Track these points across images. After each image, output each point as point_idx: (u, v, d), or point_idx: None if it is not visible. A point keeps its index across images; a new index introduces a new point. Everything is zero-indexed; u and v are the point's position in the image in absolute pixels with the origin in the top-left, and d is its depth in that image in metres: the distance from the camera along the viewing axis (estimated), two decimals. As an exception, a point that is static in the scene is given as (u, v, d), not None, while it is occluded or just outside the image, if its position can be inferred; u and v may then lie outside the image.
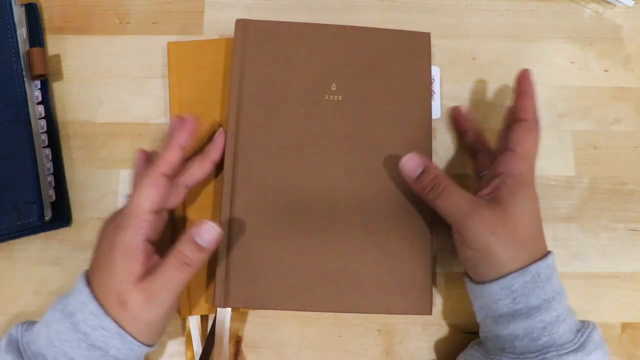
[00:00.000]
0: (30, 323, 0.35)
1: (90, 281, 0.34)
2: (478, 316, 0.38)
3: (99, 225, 0.43)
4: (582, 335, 0.34)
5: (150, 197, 0.34)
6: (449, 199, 0.36)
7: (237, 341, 0.41)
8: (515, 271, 0.34)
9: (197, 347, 0.40)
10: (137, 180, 0.35)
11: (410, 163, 0.37)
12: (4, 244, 0.42)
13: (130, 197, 0.35)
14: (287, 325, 0.42)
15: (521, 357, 0.34)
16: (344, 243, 0.39)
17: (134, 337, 0.33)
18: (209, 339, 0.40)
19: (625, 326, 0.43)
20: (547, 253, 0.36)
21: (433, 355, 0.42)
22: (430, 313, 0.39)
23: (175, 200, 0.38)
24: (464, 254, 0.36)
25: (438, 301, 0.43)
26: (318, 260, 0.39)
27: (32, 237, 0.42)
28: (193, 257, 0.33)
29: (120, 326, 0.33)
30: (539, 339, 0.33)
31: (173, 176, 0.36)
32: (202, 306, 0.40)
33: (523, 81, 0.40)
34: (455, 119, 0.45)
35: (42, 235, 0.42)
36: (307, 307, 0.39)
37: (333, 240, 0.39)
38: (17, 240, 0.42)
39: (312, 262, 0.39)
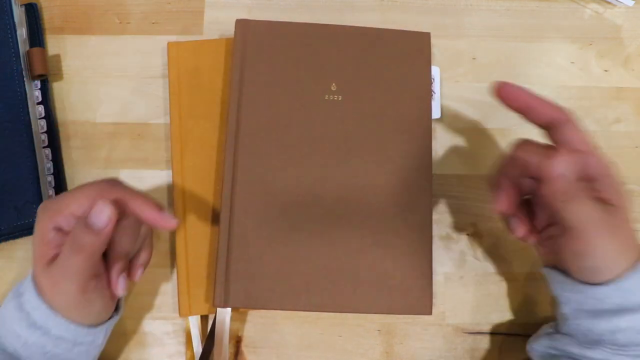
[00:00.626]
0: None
1: None
2: (565, 307, 0.36)
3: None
4: None
5: (81, 203, 0.32)
6: (581, 206, 0.33)
7: (237, 341, 0.41)
8: (628, 270, 0.33)
9: (197, 347, 0.40)
10: (89, 185, 0.34)
11: (560, 161, 0.33)
12: (4, 244, 0.42)
13: (68, 192, 0.34)
14: (287, 325, 0.42)
15: (624, 348, 0.34)
16: (343, 243, 0.39)
17: (64, 317, 0.33)
18: (209, 339, 0.40)
19: (625, 326, 0.43)
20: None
21: (433, 355, 0.42)
22: (430, 313, 0.39)
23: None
24: (577, 259, 0.34)
25: (438, 301, 0.43)
26: (318, 260, 0.39)
27: (32, 237, 0.42)
28: (85, 240, 0.31)
29: (51, 307, 0.33)
30: None
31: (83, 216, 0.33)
32: (202, 306, 0.40)
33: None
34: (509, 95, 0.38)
35: (42, 235, 0.42)
36: (307, 307, 0.39)
37: (333, 240, 0.39)
38: (17, 240, 0.42)
39: (312, 262, 0.39)
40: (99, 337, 0.35)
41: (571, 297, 0.36)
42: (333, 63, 0.43)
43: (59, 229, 0.33)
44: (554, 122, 0.36)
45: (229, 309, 0.39)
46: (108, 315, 0.36)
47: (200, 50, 0.44)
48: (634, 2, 0.48)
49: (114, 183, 0.34)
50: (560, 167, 0.33)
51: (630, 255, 0.34)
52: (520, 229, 0.37)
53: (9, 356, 0.33)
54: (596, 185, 0.34)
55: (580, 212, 0.33)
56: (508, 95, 0.36)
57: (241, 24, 0.43)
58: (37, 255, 0.33)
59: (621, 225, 0.34)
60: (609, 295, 0.34)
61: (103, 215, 0.32)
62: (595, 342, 0.35)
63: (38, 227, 0.33)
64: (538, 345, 0.38)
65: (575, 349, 0.35)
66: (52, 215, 0.33)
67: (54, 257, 0.33)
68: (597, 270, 0.34)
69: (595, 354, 0.34)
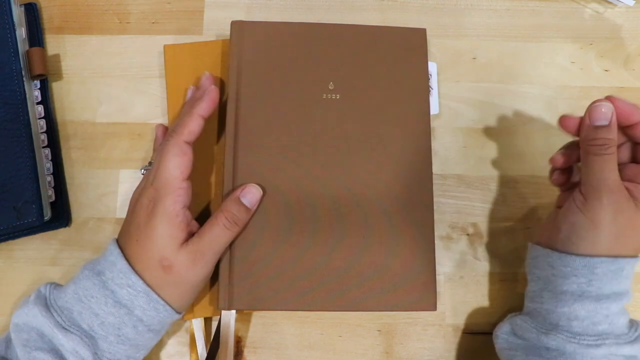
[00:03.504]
0: (57, 284, 0.36)
1: (124, 249, 0.35)
2: (532, 286, 0.38)
3: (98, 225, 0.43)
4: (635, 331, 0.35)
5: (180, 165, 0.35)
6: (605, 166, 0.34)
7: (237, 342, 0.41)
8: (606, 256, 0.34)
9: (201, 350, 0.40)
10: (162, 151, 0.36)
11: (603, 111, 0.34)
12: (4, 244, 0.42)
13: (158, 169, 0.36)
14: (287, 325, 0.42)
15: (578, 337, 0.34)
16: (346, 241, 0.39)
17: (162, 298, 0.34)
18: (214, 342, 0.40)
19: (625, 326, 0.43)
20: (636, 255, 0.35)
21: (433, 356, 0.42)
22: (435, 309, 0.39)
23: None
24: (574, 217, 0.35)
25: (438, 301, 0.42)
26: (321, 259, 0.39)
27: (31, 237, 0.42)
28: (240, 216, 0.37)
29: (149, 286, 0.34)
30: (599, 325, 0.34)
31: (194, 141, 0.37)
32: (206, 309, 0.40)
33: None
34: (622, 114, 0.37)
35: (42, 235, 0.42)
36: (312, 307, 0.39)
37: (335, 239, 0.39)
38: (17, 240, 0.42)
39: (315, 261, 0.39)
40: (166, 326, 0.37)
41: (540, 274, 0.37)
42: (330, 62, 0.43)
43: (187, 207, 0.36)
44: None
45: (234, 312, 0.39)
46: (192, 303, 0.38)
47: (196, 52, 0.44)
48: (634, 2, 0.48)
49: (176, 134, 0.36)
50: (597, 113, 0.34)
51: (616, 247, 0.34)
52: (558, 178, 0.40)
53: (83, 332, 0.33)
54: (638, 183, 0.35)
55: (598, 172, 0.34)
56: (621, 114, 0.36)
57: (237, 26, 0.43)
58: (170, 239, 0.34)
59: (627, 217, 0.34)
60: (574, 272, 0.34)
61: (256, 195, 0.38)
62: (553, 326, 0.35)
63: (166, 210, 0.34)
64: (500, 332, 0.39)
65: (532, 334, 0.36)
66: (176, 196, 0.35)
67: (188, 237, 0.35)
68: (579, 234, 0.35)
69: (550, 339, 0.35)
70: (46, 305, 0.34)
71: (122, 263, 0.34)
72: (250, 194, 0.37)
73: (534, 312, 0.37)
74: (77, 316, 0.33)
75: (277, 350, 0.41)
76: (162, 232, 0.34)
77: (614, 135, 0.34)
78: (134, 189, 0.39)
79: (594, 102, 0.35)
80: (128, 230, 0.36)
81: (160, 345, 0.41)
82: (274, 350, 0.41)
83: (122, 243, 0.36)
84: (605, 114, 0.34)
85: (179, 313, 0.36)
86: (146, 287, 0.34)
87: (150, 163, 0.41)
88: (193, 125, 0.37)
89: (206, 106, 0.37)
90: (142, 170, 0.42)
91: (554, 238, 0.36)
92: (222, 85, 0.44)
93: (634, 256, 0.35)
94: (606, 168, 0.34)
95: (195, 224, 0.37)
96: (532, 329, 0.36)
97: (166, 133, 0.41)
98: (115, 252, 0.35)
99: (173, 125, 0.38)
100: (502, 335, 0.38)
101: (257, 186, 0.38)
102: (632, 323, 0.36)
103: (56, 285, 0.36)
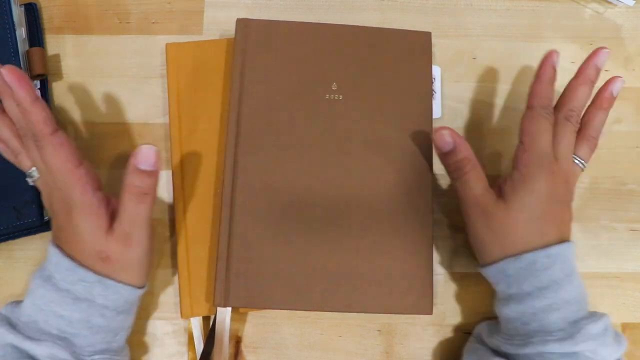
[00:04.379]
0: (17, 302, 0.36)
1: (63, 249, 0.35)
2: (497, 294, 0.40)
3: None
4: (575, 326, 0.34)
5: (66, 156, 0.34)
6: (465, 185, 0.37)
7: (236, 341, 0.41)
8: (510, 257, 0.35)
9: (200, 349, 0.40)
10: (42, 155, 0.34)
11: (444, 137, 0.37)
12: (4, 244, 0.42)
13: (48, 171, 0.34)
14: (287, 325, 0.42)
15: (510, 339, 0.35)
16: (344, 242, 0.39)
17: (117, 281, 0.34)
18: (209, 339, 0.39)
19: (625, 326, 0.43)
20: (559, 243, 0.35)
21: (433, 356, 0.42)
22: (430, 313, 0.39)
23: None
24: (469, 238, 0.39)
25: (438, 301, 0.43)
26: (318, 259, 0.39)
27: (31, 237, 0.42)
28: (145, 184, 0.34)
29: (100, 274, 0.33)
30: (528, 324, 0.35)
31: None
32: (204, 307, 0.40)
33: (541, 65, 0.39)
34: None
35: (42, 235, 0.42)
36: (308, 307, 0.39)
37: (333, 240, 0.39)
38: (17, 241, 0.42)
39: (313, 261, 0.39)
40: (135, 304, 0.37)
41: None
42: (334, 62, 0.43)
43: (98, 189, 0.34)
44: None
45: (229, 309, 0.39)
46: (146, 278, 0.37)
47: (198, 51, 0.44)
48: (634, 1, 0.48)
49: (41, 135, 0.34)
50: (440, 141, 0.37)
51: (510, 246, 0.35)
52: None
53: (55, 337, 0.33)
54: (507, 176, 0.37)
55: (461, 192, 0.37)
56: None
57: (242, 23, 0.43)
58: (95, 230, 0.34)
59: (499, 218, 0.35)
60: (494, 279, 0.37)
61: (151, 155, 0.34)
62: (496, 330, 0.38)
63: (79, 203, 0.33)
64: (472, 334, 0.40)
65: (485, 336, 0.38)
66: (81, 185, 0.34)
67: (111, 219, 0.34)
68: (476, 250, 0.38)
69: (492, 341, 0.37)
70: (12, 324, 0.33)
71: (66, 261, 0.34)
72: (144, 157, 0.34)
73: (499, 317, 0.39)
74: (43, 325, 0.33)
75: (277, 350, 0.41)
76: (85, 226, 0.34)
77: (463, 154, 0.37)
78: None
79: (435, 131, 0.37)
80: (58, 236, 0.35)
81: (160, 345, 0.41)
82: (273, 350, 0.41)
83: (58, 244, 0.35)
84: (447, 138, 0.37)
85: (142, 287, 0.36)
86: (97, 276, 0.33)
87: (29, 174, 0.37)
88: (41, 114, 0.34)
89: (22, 92, 0.34)
90: (31, 181, 0.37)
91: (474, 252, 0.39)
92: (224, 84, 0.44)
93: (550, 244, 0.35)
94: (468, 187, 0.37)
95: (115, 201, 0.35)
96: (485, 331, 0.38)
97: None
98: (56, 254, 0.34)
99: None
100: (471, 337, 0.40)
101: (148, 145, 0.34)
102: (587, 317, 0.34)
103: (16, 304, 0.35)
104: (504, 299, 0.36)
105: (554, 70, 0.38)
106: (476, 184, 0.36)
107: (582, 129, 0.38)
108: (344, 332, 0.42)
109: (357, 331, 0.42)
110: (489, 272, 0.37)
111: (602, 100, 0.39)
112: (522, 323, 0.35)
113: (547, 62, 0.38)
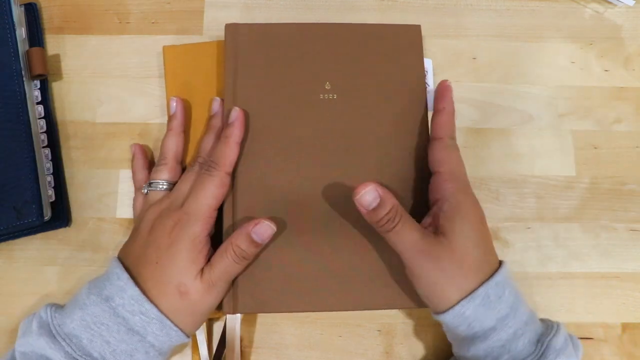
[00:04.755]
0: (58, 306, 0.35)
1: (137, 271, 0.35)
2: (447, 337, 0.38)
3: (98, 225, 0.43)
4: (542, 346, 0.33)
5: (218, 196, 0.36)
6: (400, 235, 0.34)
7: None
8: (464, 298, 0.33)
9: (204, 352, 0.40)
10: (202, 180, 0.37)
11: (367, 196, 0.34)
12: (4, 244, 0.42)
13: (193, 194, 0.36)
14: (287, 325, 0.42)
15: None
16: (347, 241, 0.39)
17: (175, 324, 0.34)
18: (220, 347, 0.40)
19: (625, 326, 0.43)
20: (497, 268, 0.35)
21: (433, 356, 0.42)
22: None
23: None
24: (416, 288, 0.36)
25: (438, 301, 0.42)
26: (323, 259, 0.39)
27: (31, 237, 0.42)
28: (249, 251, 0.35)
29: (163, 312, 0.34)
30: (500, 357, 0.33)
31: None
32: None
33: (439, 97, 0.40)
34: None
35: (42, 235, 0.42)
36: (316, 308, 0.39)
37: (336, 239, 0.39)
38: (17, 240, 0.42)
39: (318, 262, 0.39)
40: (173, 348, 0.36)
41: (444, 328, 0.37)
42: (326, 62, 0.43)
43: (210, 235, 0.36)
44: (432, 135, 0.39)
45: (239, 315, 0.39)
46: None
47: (195, 53, 0.44)
48: (634, 1, 0.48)
49: (219, 166, 0.37)
50: (366, 200, 0.35)
51: (464, 284, 0.34)
52: None
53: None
54: (434, 210, 0.36)
55: (399, 243, 0.35)
56: None
57: (231, 28, 0.43)
58: (191, 265, 0.35)
59: (448, 256, 0.34)
60: (453, 323, 0.34)
61: (267, 232, 0.36)
62: None
63: (195, 235, 0.35)
64: None
65: None
66: (207, 224, 0.36)
67: (205, 263, 0.35)
68: (429, 299, 0.35)
69: None
70: (52, 334, 0.33)
71: (133, 289, 0.33)
72: (262, 231, 0.35)
73: (458, 359, 0.37)
74: (87, 344, 0.33)
75: (277, 350, 0.41)
76: (185, 256, 0.34)
77: (390, 205, 0.34)
78: (134, 206, 0.39)
79: (355, 190, 0.35)
80: (144, 252, 0.35)
81: (160, 345, 0.41)
82: (274, 350, 0.41)
83: (131, 264, 0.35)
84: (370, 195, 0.34)
85: (189, 337, 0.36)
86: (160, 314, 0.33)
87: (150, 183, 0.39)
88: (233, 155, 0.38)
89: (239, 132, 0.38)
90: (145, 190, 0.40)
91: (425, 302, 0.36)
92: (218, 86, 0.44)
93: (492, 272, 0.34)
94: (403, 236, 0.34)
95: (211, 250, 0.37)
96: None
97: (186, 113, 0.42)
98: (123, 277, 0.34)
99: (202, 151, 0.39)
100: None
101: (270, 222, 0.36)
102: (545, 331, 0.34)
103: (57, 308, 0.35)
104: (468, 340, 0.35)
105: (453, 102, 0.40)
106: (412, 230, 0.34)
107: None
108: (344, 332, 0.42)
109: (357, 331, 0.42)
110: (446, 318, 0.34)
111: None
112: (493, 358, 0.34)
113: (449, 95, 0.40)
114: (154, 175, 0.39)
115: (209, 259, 0.36)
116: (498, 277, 0.34)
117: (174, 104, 0.42)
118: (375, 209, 0.34)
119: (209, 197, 0.36)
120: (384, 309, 0.40)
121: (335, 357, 0.41)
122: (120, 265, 0.35)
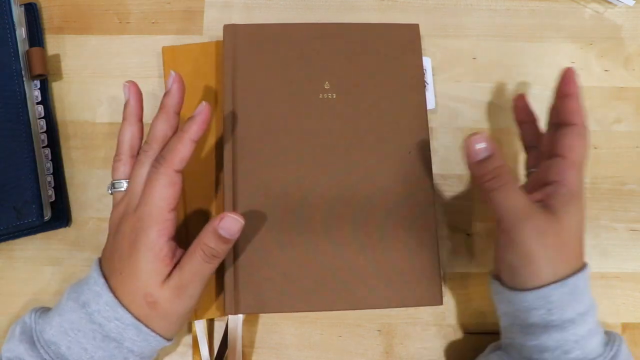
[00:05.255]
0: (44, 310, 0.35)
1: (108, 279, 0.34)
2: (502, 321, 0.37)
3: (98, 225, 0.43)
4: (611, 349, 0.33)
5: (168, 197, 0.33)
6: (507, 196, 0.33)
7: (236, 341, 0.41)
8: (555, 282, 0.32)
9: (204, 352, 0.40)
10: (149, 179, 0.34)
11: (477, 144, 0.33)
12: (4, 244, 0.42)
13: (143, 197, 0.34)
14: (287, 325, 0.42)
15: None
16: (348, 240, 0.39)
17: (152, 330, 0.33)
18: (222, 347, 0.40)
19: (625, 326, 0.43)
20: (585, 265, 0.34)
21: (433, 356, 0.42)
22: (441, 303, 0.39)
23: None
24: (505, 255, 0.35)
25: (438, 301, 0.42)
26: (325, 259, 0.39)
27: (31, 237, 0.42)
28: (219, 249, 0.33)
29: (137, 318, 0.32)
30: (570, 352, 0.32)
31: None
32: (209, 311, 0.40)
33: (568, 82, 0.37)
34: (517, 108, 0.42)
35: (42, 235, 0.42)
36: (318, 308, 0.39)
37: (338, 239, 0.39)
38: (17, 240, 0.42)
39: (319, 261, 0.39)
40: (156, 352, 0.36)
41: (505, 310, 0.36)
42: (325, 61, 0.43)
43: (172, 239, 0.34)
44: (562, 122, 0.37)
45: (241, 316, 0.39)
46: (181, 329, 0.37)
47: (194, 53, 0.44)
48: (634, 1, 0.48)
49: (166, 163, 0.34)
50: (474, 149, 0.33)
51: (560, 268, 0.33)
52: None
53: None
54: (547, 189, 0.35)
55: (503, 204, 0.33)
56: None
57: (229, 29, 0.43)
58: (154, 274, 0.33)
59: (553, 234, 0.33)
60: (532, 305, 0.33)
61: (235, 226, 0.33)
62: (527, 359, 0.34)
63: (151, 243, 0.33)
64: (482, 359, 0.38)
65: None
66: (162, 228, 0.33)
67: (172, 268, 0.33)
68: (518, 271, 0.34)
69: None
70: (32, 341, 0.32)
71: (107, 295, 0.32)
72: (228, 225, 0.33)
73: (509, 347, 0.36)
74: (65, 351, 0.32)
75: (277, 350, 0.41)
76: (145, 267, 0.33)
77: (500, 161, 0.33)
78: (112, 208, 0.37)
79: (467, 138, 0.34)
80: (112, 258, 0.34)
81: (160, 345, 0.41)
82: (274, 350, 0.41)
83: (105, 270, 0.34)
84: (481, 144, 0.33)
85: (169, 340, 0.35)
86: (134, 320, 0.32)
87: (113, 184, 0.37)
88: (185, 152, 0.34)
89: (198, 129, 0.34)
90: (110, 191, 0.37)
91: (503, 273, 0.36)
92: (218, 86, 0.43)
93: (582, 267, 0.34)
94: (510, 198, 0.33)
95: (180, 252, 0.35)
96: None
97: (140, 98, 0.38)
98: (99, 282, 0.33)
99: (152, 138, 0.36)
100: None
101: (236, 216, 0.33)
102: (609, 338, 0.34)
103: (41, 313, 0.34)
104: (540, 326, 0.33)
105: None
106: (519, 194, 0.33)
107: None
108: (344, 332, 0.42)
109: (357, 331, 0.42)
110: (528, 298, 0.33)
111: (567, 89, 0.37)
112: (563, 352, 0.32)
113: (574, 79, 0.37)
114: (112, 173, 0.37)
115: (179, 260, 0.34)
116: (587, 272, 0.34)
117: (126, 89, 0.37)
118: (483, 162, 0.33)
119: (159, 199, 0.33)
120: (384, 308, 0.40)
121: (335, 357, 0.41)
122: (98, 269, 0.34)
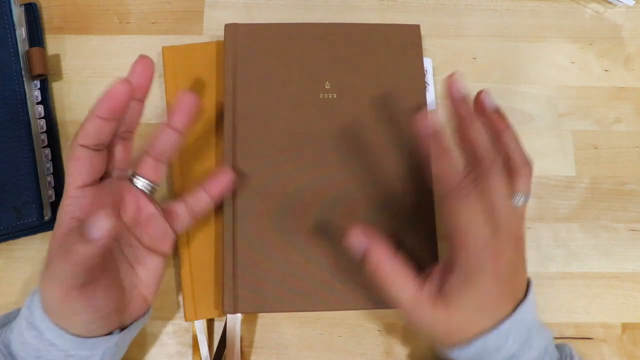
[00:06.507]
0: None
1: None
2: None
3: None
4: None
5: (72, 172, 0.31)
6: (392, 288, 0.33)
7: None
8: (458, 347, 0.32)
9: (204, 352, 0.40)
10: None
11: (356, 243, 0.34)
12: (3, 244, 0.42)
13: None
14: (287, 325, 0.42)
15: None
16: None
17: (53, 322, 0.31)
18: (220, 347, 0.40)
19: (625, 326, 0.43)
20: (512, 311, 0.32)
21: (433, 356, 0.42)
22: None
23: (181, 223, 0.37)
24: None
25: (438, 301, 0.42)
26: (325, 259, 0.39)
27: (31, 237, 0.42)
28: (75, 248, 0.28)
29: (43, 308, 0.31)
30: None
31: (100, 146, 0.32)
32: (208, 310, 0.40)
33: (458, 98, 0.36)
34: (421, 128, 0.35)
35: (42, 235, 0.42)
36: (318, 308, 0.39)
37: (336, 239, 0.39)
38: (17, 240, 0.42)
39: (319, 261, 0.39)
40: (95, 354, 0.32)
41: None
42: (326, 61, 0.43)
43: (75, 219, 0.31)
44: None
45: (240, 315, 0.39)
46: (104, 330, 0.32)
47: (194, 53, 0.44)
48: (634, 1, 0.48)
49: (73, 137, 0.31)
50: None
51: (462, 337, 0.32)
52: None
53: (9, 356, 0.32)
54: (449, 268, 0.33)
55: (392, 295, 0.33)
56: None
57: (230, 29, 0.43)
58: (54, 249, 0.32)
59: (442, 321, 0.32)
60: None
61: (98, 226, 0.28)
62: None
63: (58, 220, 0.32)
64: None
65: None
66: (65, 205, 0.32)
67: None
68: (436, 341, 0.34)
69: None
70: (11, 355, 0.33)
71: (37, 298, 0.32)
72: (93, 223, 0.28)
73: None
74: (10, 336, 0.33)
75: (277, 350, 0.41)
76: (49, 244, 0.32)
77: (379, 254, 0.34)
78: None
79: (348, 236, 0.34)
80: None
81: (160, 345, 0.41)
82: (274, 350, 0.41)
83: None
84: (358, 242, 0.34)
85: (89, 337, 0.32)
86: (42, 312, 0.31)
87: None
88: (87, 126, 0.31)
89: (104, 106, 0.31)
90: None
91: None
92: (218, 86, 0.43)
93: (497, 323, 0.32)
94: (396, 292, 0.33)
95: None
96: None
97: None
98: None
99: None
100: None
101: (104, 214, 0.28)
102: (561, 355, 0.33)
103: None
104: None
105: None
106: (407, 281, 0.33)
107: (507, 162, 0.33)
108: (344, 332, 0.42)
109: (357, 331, 0.42)
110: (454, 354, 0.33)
111: (496, 123, 0.35)
112: None
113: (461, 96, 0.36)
114: None
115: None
116: (503, 327, 0.31)
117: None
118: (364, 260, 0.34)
119: (66, 175, 0.32)
120: (387, 308, 0.40)
121: (335, 357, 0.41)
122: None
